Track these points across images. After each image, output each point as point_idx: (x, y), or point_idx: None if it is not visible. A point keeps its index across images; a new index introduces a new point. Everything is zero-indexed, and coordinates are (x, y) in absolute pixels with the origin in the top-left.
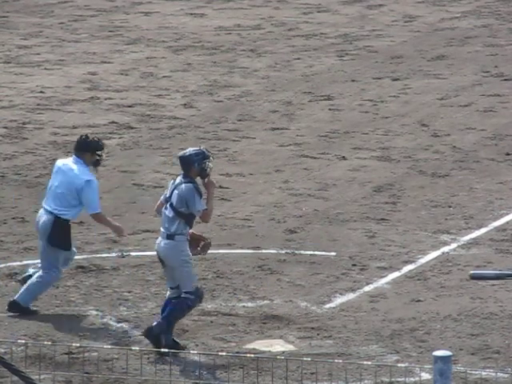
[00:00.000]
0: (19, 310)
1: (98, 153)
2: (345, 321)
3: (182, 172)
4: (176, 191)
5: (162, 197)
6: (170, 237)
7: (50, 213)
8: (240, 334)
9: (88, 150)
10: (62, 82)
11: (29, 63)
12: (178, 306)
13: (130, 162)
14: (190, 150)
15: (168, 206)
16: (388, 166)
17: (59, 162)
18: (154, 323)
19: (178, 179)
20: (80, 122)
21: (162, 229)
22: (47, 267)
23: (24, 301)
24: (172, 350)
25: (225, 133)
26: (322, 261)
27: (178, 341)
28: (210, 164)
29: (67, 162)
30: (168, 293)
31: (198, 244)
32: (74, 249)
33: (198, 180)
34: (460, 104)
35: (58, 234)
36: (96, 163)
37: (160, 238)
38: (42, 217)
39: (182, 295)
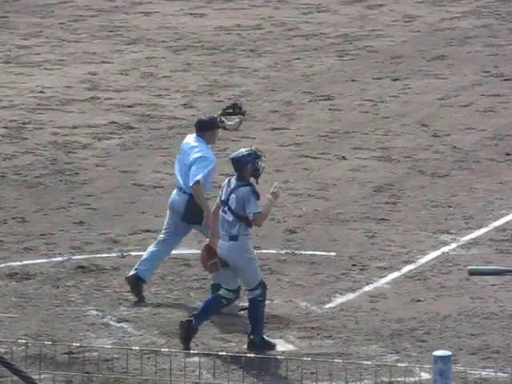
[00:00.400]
0: (135, 284)
1: (220, 127)
2: (345, 321)
3: (236, 174)
4: (233, 195)
5: (217, 199)
6: (233, 238)
7: (184, 192)
8: (240, 334)
9: (207, 129)
10: (62, 82)
11: (29, 63)
12: (253, 307)
13: (130, 162)
14: (241, 150)
15: (226, 209)
16: (388, 166)
17: (184, 142)
18: (251, 336)
19: (233, 182)
20: (80, 121)
21: (221, 231)
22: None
23: (144, 275)
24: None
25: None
26: (322, 261)
27: (268, 340)
28: (262, 164)
29: (189, 141)
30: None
31: (212, 257)
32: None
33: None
34: (460, 104)
35: (192, 211)
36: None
37: (221, 241)
38: (175, 197)
39: (248, 296)
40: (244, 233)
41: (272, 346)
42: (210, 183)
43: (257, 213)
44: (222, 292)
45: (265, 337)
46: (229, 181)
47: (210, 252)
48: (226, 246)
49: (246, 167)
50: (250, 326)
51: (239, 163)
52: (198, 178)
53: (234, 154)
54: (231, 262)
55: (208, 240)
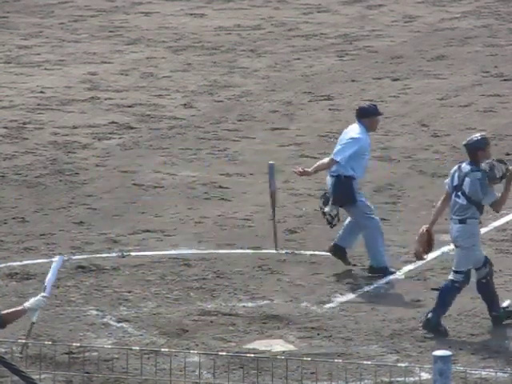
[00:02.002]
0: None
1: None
2: (345, 321)
3: (468, 159)
4: (467, 179)
5: (446, 187)
6: (462, 221)
7: (332, 176)
8: (240, 334)
9: (366, 116)
10: (62, 82)
11: (29, 63)
12: (448, 288)
13: (130, 162)
14: (473, 137)
15: (460, 194)
16: (388, 166)
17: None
18: (430, 314)
19: (466, 167)
20: (80, 122)
21: (452, 215)
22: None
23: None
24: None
25: (225, 133)
26: (322, 261)
27: (444, 327)
28: (502, 167)
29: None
30: (450, 276)
31: (429, 244)
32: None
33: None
34: (460, 104)
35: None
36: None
37: (451, 224)
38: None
39: (450, 276)
40: (474, 216)
41: (444, 333)
42: (361, 168)
43: (494, 200)
44: (452, 276)
45: (442, 321)
46: (459, 167)
47: (429, 240)
48: (456, 228)
49: (479, 152)
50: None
51: (472, 149)
52: (337, 159)
53: (467, 140)
54: (457, 243)
55: (427, 226)
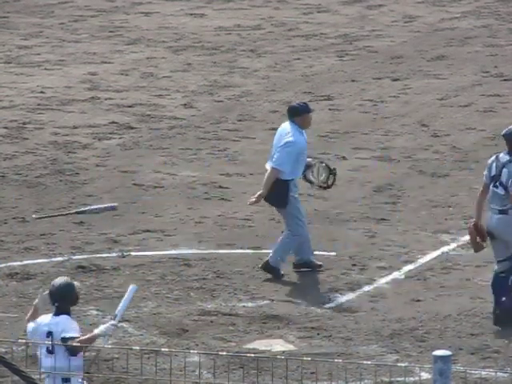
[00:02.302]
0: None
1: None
2: (345, 321)
3: (507, 149)
4: (505, 169)
5: (484, 178)
6: (503, 212)
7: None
8: (240, 334)
9: (297, 114)
10: (62, 82)
11: (29, 63)
12: (496, 280)
13: (130, 162)
14: (511, 127)
15: (498, 184)
16: (388, 166)
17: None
18: (497, 310)
19: (504, 157)
20: (80, 122)
21: (491, 205)
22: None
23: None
24: (172, 350)
25: (225, 133)
26: (322, 261)
27: None
28: None
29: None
30: (495, 267)
31: (481, 234)
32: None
33: None
34: (460, 104)
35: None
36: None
37: (491, 214)
38: None
39: (496, 269)
40: None
41: None
42: (301, 168)
43: None
44: (496, 268)
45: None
46: (497, 157)
47: (479, 231)
48: (495, 219)
49: None
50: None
51: (510, 139)
52: (276, 167)
53: (505, 130)
54: (498, 235)
55: (473, 222)
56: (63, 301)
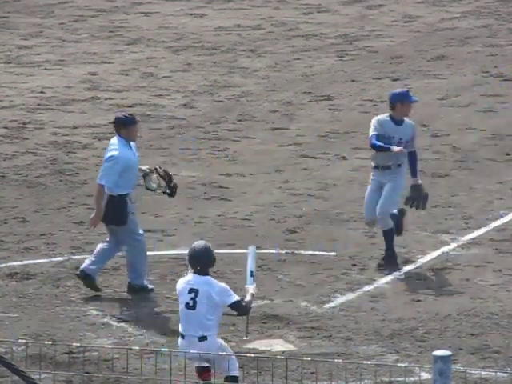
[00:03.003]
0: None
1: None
2: (345, 321)
3: None
4: None
5: None
6: None
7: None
8: (240, 334)
9: (123, 127)
10: (62, 82)
11: (29, 63)
12: None
13: None
14: None
15: None
16: None
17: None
18: None
19: None
20: (80, 122)
21: None
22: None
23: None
24: (172, 350)
25: (225, 133)
26: (322, 261)
27: None
28: None
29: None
30: None
31: None
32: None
33: None
34: (460, 104)
35: (114, 212)
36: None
37: None
38: None
39: None
40: None
41: None
42: (131, 183)
43: None
44: None
45: None
46: None
47: None
48: None
49: None
50: None
51: None
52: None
53: None
54: None
55: None
56: (203, 264)
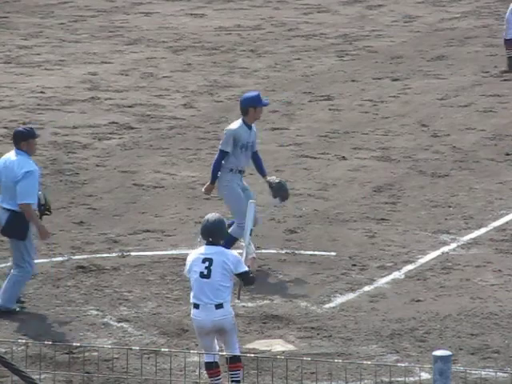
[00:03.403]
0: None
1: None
2: (345, 321)
3: None
4: None
5: None
6: None
7: (6, 209)
8: (240, 334)
9: (24, 139)
10: (62, 82)
11: (29, 63)
12: None
13: (130, 162)
14: None
15: None
16: (388, 166)
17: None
18: None
19: None
20: (80, 122)
21: None
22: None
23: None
24: (172, 350)
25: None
26: (322, 261)
27: None
28: None
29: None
30: None
31: None
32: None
33: None
34: (460, 104)
35: (16, 227)
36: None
37: None
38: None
39: None
40: None
41: None
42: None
43: None
44: None
45: None
46: None
47: None
48: None
49: None
50: None
51: None
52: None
53: None
54: None
55: None
56: (216, 235)
